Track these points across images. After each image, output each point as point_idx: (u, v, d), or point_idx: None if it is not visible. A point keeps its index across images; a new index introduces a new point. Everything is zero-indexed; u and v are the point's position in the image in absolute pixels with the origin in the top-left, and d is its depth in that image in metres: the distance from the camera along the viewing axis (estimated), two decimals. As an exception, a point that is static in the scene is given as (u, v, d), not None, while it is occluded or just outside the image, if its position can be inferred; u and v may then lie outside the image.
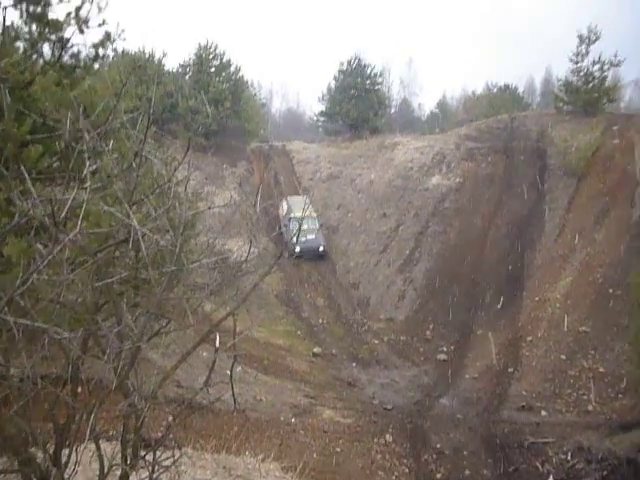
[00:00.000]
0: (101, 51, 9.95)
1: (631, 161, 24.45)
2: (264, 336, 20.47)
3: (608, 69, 29.25)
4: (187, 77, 32.43)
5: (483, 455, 12.66)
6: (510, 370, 18.00)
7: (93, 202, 3.08)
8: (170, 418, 4.04)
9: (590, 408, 15.45)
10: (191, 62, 32.16)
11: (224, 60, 31.65)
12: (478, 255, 23.70)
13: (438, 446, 13.07)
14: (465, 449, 12.90)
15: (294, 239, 23.27)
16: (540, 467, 11.95)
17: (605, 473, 11.27)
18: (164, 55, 31.43)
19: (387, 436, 13.19)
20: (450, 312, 21.60)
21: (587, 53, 29.20)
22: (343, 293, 23.95)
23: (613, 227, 22.33)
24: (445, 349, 19.88)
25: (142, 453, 3.68)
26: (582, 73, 29.29)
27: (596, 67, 29.11)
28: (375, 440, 13.00)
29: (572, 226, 23.22)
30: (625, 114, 31.50)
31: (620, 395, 15.86)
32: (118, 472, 3.84)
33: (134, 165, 3.54)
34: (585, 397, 16.05)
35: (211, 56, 31.49)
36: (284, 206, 26.33)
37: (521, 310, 20.67)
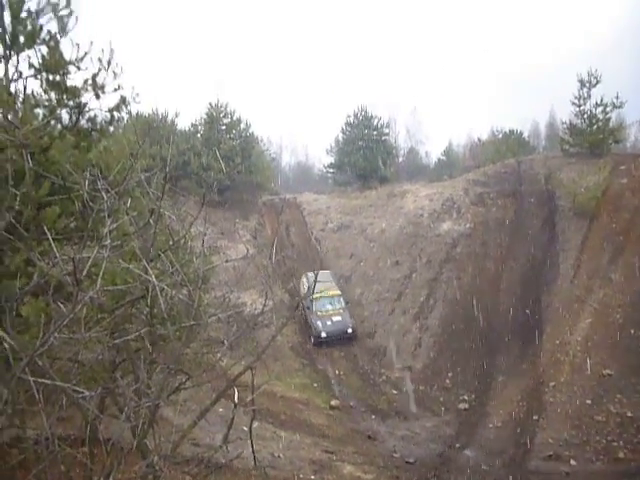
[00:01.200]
0: (116, 114, 10.34)
1: (642, 199, 24.42)
2: (280, 390, 20.13)
3: (611, 111, 29.64)
4: (199, 135, 33.36)
5: (512, 509, 12.10)
6: (535, 418, 17.43)
7: (111, 260, 3.15)
8: (188, 478, 3.94)
9: (621, 455, 14.82)
10: (202, 121, 33.17)
11: (234, 118, 32.63)
12: (493, 300, 23.44)
13: (464, 500, 12.55)
14: (493, 503, 12.36)
15: (319, 322, 22.69)
16: (573, 521, 11.37)
17: (642, 525, 10.68)
18: (177, 115, 32.45)
19: (411, 492, 12.69)
20: (468, 359, 21.19)
21: (589, 96, 29.70)
22: (358, 343, 23.65)
23: (628, 266, 22.07)
24: (466, 397, 19.38)
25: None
26: (585, 115, 29.69)
27: (599, 109, 29.52)
28: (398, 496, 12.51)
29: (587, 267, 22.99)
30: (632, 154, 31.72)
31: (651, 441, 15.24)
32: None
33: (151, 222, 3.62)
34: (615, 444, 15.43)
35: (222, 114, 32.49)
36: (304, 283, 24.66)
37: (541, 354, 20.21)
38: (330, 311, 23.07)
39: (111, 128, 10.64)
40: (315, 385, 20.96)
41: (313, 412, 18.88)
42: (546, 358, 19.95)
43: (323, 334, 22.47)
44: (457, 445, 16.33)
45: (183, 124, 33.27)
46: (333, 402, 19.48)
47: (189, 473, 4.26)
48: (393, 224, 28.41)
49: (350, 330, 22.92)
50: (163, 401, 3.44)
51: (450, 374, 20.82)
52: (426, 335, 23.03)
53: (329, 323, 22.66)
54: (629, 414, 16.41)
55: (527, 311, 22.37)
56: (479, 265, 25.15)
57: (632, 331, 19.34)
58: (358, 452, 15.77)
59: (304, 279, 24.74)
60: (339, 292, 23.92)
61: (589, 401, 17.41)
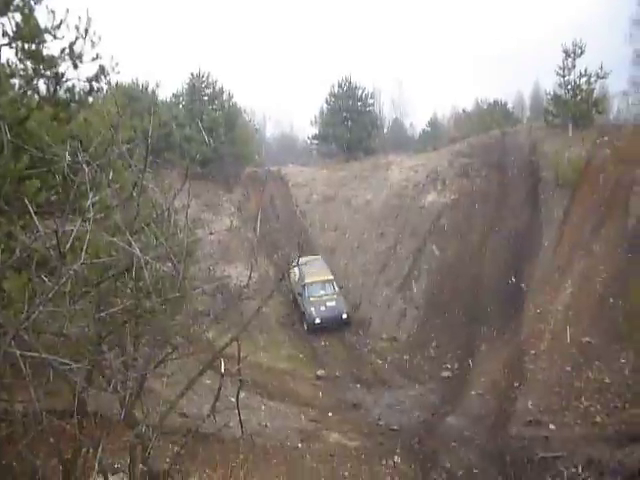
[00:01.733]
0: (95, 85, 10.11)
1: (624, 171, 24.64)
2: (267, 361, 20.35)
3: (595, 81, 29.60)
4: (181, 106, 32.79)
5: (494, 473, 12.51)
6: (516, 384, 17.86)
7: (94, 233, 3.11)
8: (176, 448, 3.99)
9: (598, 420, 15.29)
10: (184, 91, 32.57)
11: (217, 88, 32.08)
12: (477, 270, 23.71)
13: (447, 465, 12.92)
14: (475, 467, 12.76)
15: (312, 309, 22.01)
16: (551, 482, 11.80)
17: (618, 485, 11.13)
18: (158, 85, 31.88)
19: (395, 457, 13.04)
20: (452, 329, 21.53)
21: (573, 67, 29.60)
22: (344, 314, 23.87)
23: (609, 237, 22.39)
24: (449, 366, 19.76)
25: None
26: (569, 86, 29.63)
27: (583, 80, 29.48)
28: (383, 462, 12.85)
29: (569, 238, 23.29)
30: (614, 125, 31.86)
31: (627, 405, 15.71)
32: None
33: (134, 195, 3.58)
34: (593, 409, 15.90)
35: (204, 84, 31.91)
36: (295, 270, 23.69)
37: (523, 323, 20.60)
38: (323, 296, 22.50)
39: (90, 99, 10.41)
40: (301, 356, 21.22)
41: (299, 382, 19.16)
42: (528, 327, 20.35)
43: (317, 320, 21.94)
44: (441, 412, 16.72)
45: (164, 95, 32.60)
46: (319, 372, 19.77)
47: (177, 443, 4.31)
48: (378, 196, 28.42)
49: (345, 315, 22.46)
50: (150, 373, 3.45)
51: (434, 344, 21.17)
52: (410, 306, 23.32)
53: (323, 309, 22.13)
54: (607, 380, 16.87)
55: (510, 282, 22.69)
56: (463, 236, 25.35)
57: (611, 300, 19.74)
58: (344, 420, 16.10)
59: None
60: (332, 277, 23.44)
61: (569, 368, 17.85)
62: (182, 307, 3.53)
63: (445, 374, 19.32)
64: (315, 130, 38.02)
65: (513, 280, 22.76)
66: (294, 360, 20.85)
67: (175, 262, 3.32)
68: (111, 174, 3.97)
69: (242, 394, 15.64)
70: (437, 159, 30.29)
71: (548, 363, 18.40)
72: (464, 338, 21.01)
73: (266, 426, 14.62)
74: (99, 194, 3.84)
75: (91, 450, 3.59)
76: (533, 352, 19.03)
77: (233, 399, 13.89)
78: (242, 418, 11.83)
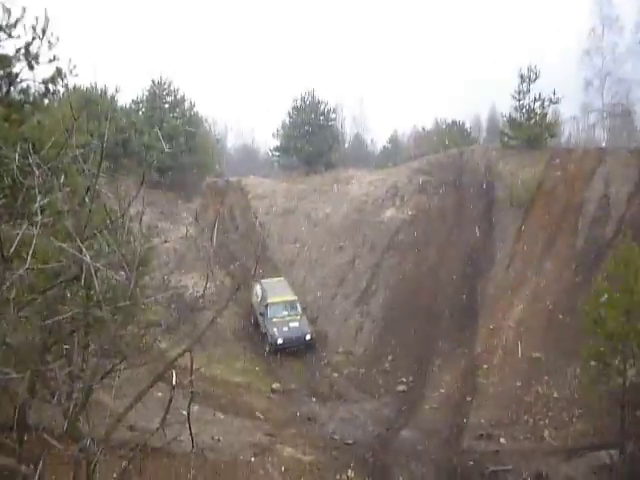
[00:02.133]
0: (51, 87, 9.83)
1: (574, 193, 25.63)
2: (221, 373, 20.01)
3: (548, 106, 30.81)
4: (140, 113, 32.25)
5: (445, 487, 12.62)
6: (468, 399, 18.17)
7: (43, 239, 2.99)
8: (124, 463, 3.85)
9: (547, 434, 15.71)
10: (144, 98, 32.06)
11: (178, 96, 31.72)
12: (433, 286, 24.08)
13: (400, 479, 12.96)
14: (427, 481, 12.84)
15: (274, 329, 21.25)
16: (501, 496, 11.99)
17: (564, 498, 11.41)
18: (117, 91, 31.18)
19: (349, 472, 13.00)
20: (408, 343, 21.73)
21: (528, 91, 30.75)
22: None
23: (560, 256, 23.20)
24: (404, 380, 19.91)
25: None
26: (524, 110, 30.74)
27: (537, 104, 30.65)
28: (337, 476, 12.80)
29: (521, 256, 23.99)
30: (565, 148, 33.13)
31: (574, 419, 16.22)
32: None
33: (86, 200, 3.47)
34: (542, 423, 16.33)
35: (165, 92, 31.52)
36: (257, 291, 23.15)
37: (476, 339, 21.02)
38: (286, 317, 21.90)
39: (46, 101, 10.12)
40: (257, 369, 20.97)
41: (254, 396, 18.92)
42: (481, 342, 20.78)
43: (280, 340, 21.17)
44: (395, 427, 16.80)
45: (124, 101, 31.93)
46: (274, 386, 19.56)
47: (125, 457, 4.16)
48: (338, 209, 28.59)
49: (308, 337, 21.72)
50: (97, 384, 3.32)
51: (390, 358, 21.30)
52: (367, 320, 23.44)
53: (285, 329, 21.45)
54: (555, 395, 17.38)
55: (464, 298, 23.14)
56: (420, 252, 25.74)
57: (561, 317, 20.40)
58: (298, 434, 15.97)
59: (257, 286, 23.39)
60: (295, 297, 22.88)
61: (519, 383, 18.30)
62: (133, 317, 3.41)
63: (400, 388, 19.45)
64: (277, 142, 38.06)
65: (468, 296, 23.21)
66: (249, 373, 20.57)
67: (127, 270, 3.22)
68: (63, 178, 3.84)
69: (195, 407, 15.34)
70: (397, 175, 30.75)
71: (500, 378, 18.81)
72: (419, 352, 21.23)
73: (219, 440, 14.33)
74: (50, 198, 3.71)
75: (31, 465, 3.43)
76: (486, 367, 19.43)
77: (185, 412, 13.57)
78: (194, 432, 11.59)
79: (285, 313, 22.02)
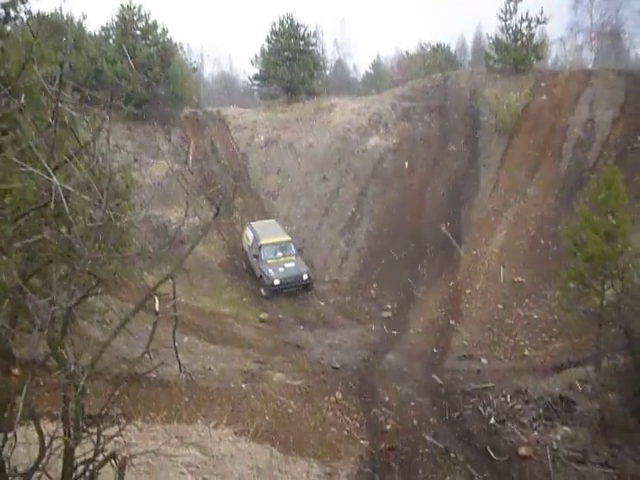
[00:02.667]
0: (12, 12, 9.22)
1: (559, 117, 25.39)
2: (209, 305, 20.27)
3: (535, 26, 29.96)
4: (110, 41, 30.63)
5: (429, 404, 13.17)
6: (451, 322, 18.70)
7: (9, 166, 2.83)
8: (111, 389, 3.88)
9: (526, 353, 16.34)
10: (114, 24, 30.36)
11: (150, 22, 30.07)
12: (417, 214, 24.19)
13: (386, 400, 13.48)
14: (412, 400, 13.38)
15: (270, 270, 20.61)
16: (482, 411, 12.57)
17: (541, 411, 11.99)
18: (84, 17, 29.44)
19: (337, 394, 13.46)
20: (393, 271, 22.07)
21: (515, 11, 29.77)
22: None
23: (543, 181, 23.30)
24: (389, 307, 20.35)
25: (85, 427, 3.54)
26: (510, 30, 29.86)
27: (524, 24, 29.76)
28: (325, 399, 13.25)
29: (505, 182, 24.04)
30: (552, 71, 32.47)
31: (553, 339, 16.85)
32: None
33: (50, 122, 3.27)
34: (522, 343, 16.95)
35: (135, 17, 29.83)
36: (248, 235, 22.44)
37: (460, 265, 21.39)
38: (281, 258, 21.25)
39: (8, 28, 9.59)
40: (244, 300, 21.23)
41: (243, 326, 19.26)
42: (464, 268, 21.16)
43: (276, 281, 20.51)
44: (380, 351, 17.32)
45: (92, 28, 30.17)
46: (262, 315, 19.88)
47: (115, 384, 4.20)
48: (321, 139, 28.09)
49: (306, 276, 21.04)
50: (75, 307, 3.26)
51: (375, 285, 21.67)
52: (353, 249, 23.63)
53: (281, 270, 20.77)
54: (535, 316, 17.95)
55: (448, 224, 23.33)
56: (404, 180, 25.64)
57: (542, 241, 20.76)
58: (287, 361, 16.40)
59: (248, 230, 22.70)
60: (289, 238, 22.18)
61: (501, 306, 18.83)
62: (109, 241, 3.32)
63: (385, 314, 19.91)
64: (256, 70, 36.67)
65: (452, 223, 23.40)
66: (237, 304, 20.85)
67: (98, 192, 3.08)
68: (24, 98, 3.60)
69: (185, 339, 15.64)
70: (380, 102, 30.08)
71: (482, 302, 19.32)
72: (404, 279, 21.61)
73: (210, 369, 14.68)
74: (16, 126, 3.50)
75: (18, 393, 3.43)
76: (469, 291, 19.90)
77: (177, 343, 13.77)
78: (186, 362, 11.82)
79: (280, 254, 21.44)
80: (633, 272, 12.53)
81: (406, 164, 26.19)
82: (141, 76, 26.66)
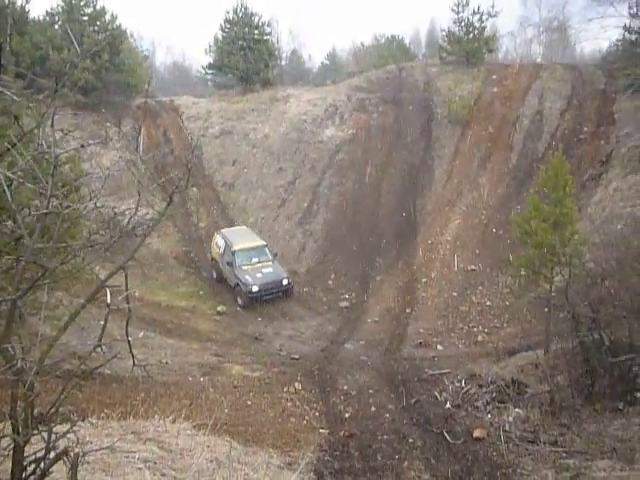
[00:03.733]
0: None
1: (509, 108, 26.07)
2: (165, 299, 19.95)
3: (487, 19, 30.64)
4: (56, 27, 29.42)
5: (387, 391, 13.37)
6: (408, 311, 19.04)
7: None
8: (62, 386, 3.75)
9: (480, 339, 16.83)
10: (60, 9, 29.15)
11: (97, 7, 29.03)
12: (374, 204, 24.41)
13: (345, 388, 13.61)
14: (370, 388, 13.55)
15: (247, 277, 19.32)
16: (438, 396, 12.86)
17: (494, 394, 12.37)
18: (27, 1, 28.03)
19: (296, 384, 13.50)
20: (350, 261, 22.25)
21: (467, 3, 30.33)
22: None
23: (495, 171, 23.92)
24: (347, 297, 20.53)
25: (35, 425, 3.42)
26: (463, 23, 30.42)
27: (476, 17, 30.36)
28: (285, 390, 13.26)
29: (458, 172, 24.54)
30: (503, 64, 33.31)
31: (505, 325, 17.42)
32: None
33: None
34: (475, 329, 17.44)
35: (82, 3, 28.74)
36: (218, 242, 20.99)
37: (415, 254, 21.75)
38: (257, 264, 19.90)
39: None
40: (201, 293, 20.98)
41: (200, 319, 19.04)
42: (419, 257, 21.54)
43: (254, 288, 19.14)
44: (339, 340, 17.46)
45: (37, 13, 28.84)
46: (219, 308, 19.69)
47: (66, 379, 4.06)
48: (276, 129, 27.90)
49: (286, 282, 19.78)
50: (20, 298, 3.12)
51: (333, 276, 21.79)
52: (310, 240, 23.65)
53: (259, 275, 19.44)
54: (488, 303, 18.49)
55: (404, 214, 23.65)
56: (361, 171, 25.80)
57: (494, 230, 21.35)
58: (246, 353, 16.33)
59: (218, 237, 21.26)
60: (264, 243, 20.87)
61: (455, 294, 19.29)
62: (54, 231, 3.18)
63: (343, 304, 20.07)
64: (210, 59, 36.06)
65: (407, 213, 23.74)
66: (193, 297, 20.57)
67: (43, 180, 2.94)
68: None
69: (141, 333, 15.30)
70: (336, 93, 30.10)
71: (437, 290, 19.74)
72: (361, 269, 21.82)
73: (167, 363, 14.46)
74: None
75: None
76: (424, 280, 20.28)
77: (131, 338, 13.49)
78: (142, 357, 11.59)
79: (255, 260, 20.08)
80: (579, 259, 13.05)
81: (361, 155, 26.36)
82: (89, 63, 25.73)
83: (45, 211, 2.84)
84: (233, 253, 19.94)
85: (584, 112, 24.65)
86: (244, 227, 22.78)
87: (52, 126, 3.18)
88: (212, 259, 21.67)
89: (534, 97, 26.09)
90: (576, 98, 25.50)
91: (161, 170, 25.39)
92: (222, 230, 21.89)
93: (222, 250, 20.63)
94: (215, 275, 21.47)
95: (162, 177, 21.61)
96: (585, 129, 23.76)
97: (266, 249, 20.63)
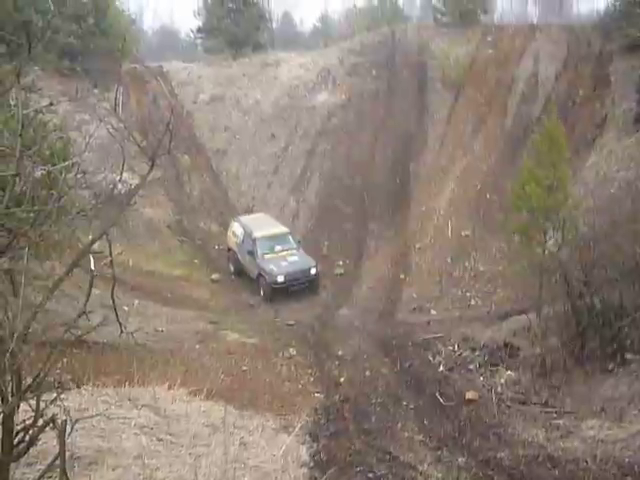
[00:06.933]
0: None
1: (504, 71, 25.65)
2: (160, 268, 19.92)
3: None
4: (40, -11, 28.49)
5: (381, 356, 13.52)
6: (402, 277, 19.13)
7: None
8: (49, 352, 3.74)
9: (473, 303, 16.98)
10: (42, -29, 28.18)
11: (82, -32, 28.07)
12: (367, 170, 24.22)
13: (339, 353, 13.74)
14: (365, 353, 13.69)
15: (271, 266, 17.84)
16: (432, 359, 13.03)
17: (487, 357, 12.55)
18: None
19: (291, 350, 13.62)
20: (344, 228, 22.20)
21: (462, -38, 29.46)
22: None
23: (489, 136, 23.70)
24: (341, 263, 20.55)
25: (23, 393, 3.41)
26: (458, -17, 29.62)
27: (471, -24, 29.55)
28: (280, 355, 13.38)
29: (452, 137, 24.30)
30: (498, 25, 32.63)
31: (498, 289, 17.53)
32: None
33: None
34: (468, 294, 17.57)
35: (66, -37, 27.76)
36: (236, 230, 19.49)
37: (409, 220, 21.72)
38: (282, 252, 18.38)
39: None
40: (195, 261, 20.97)
41: (195, 287, 19.08)
42: (413, 223, 21.52)
43: (280, 278, 17.59)
44: (333, 307, 17.57)
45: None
46: (214, 276, 19.71)
47: (53, 346, 4.04)
48: (268, 95, 27.42)
49: (314, 271, 18.28)
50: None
51: (327, 243, 21.77)
52: (303, 207, 23.55)
53: (285, 264, 17.92)
54: (481, 268, 18.57)
55: (398, 181, 23.51)
56: (354, 137, 25.48)
57: (488, 196, 21.28)
58: (241, 320, 16.44)
59: (235, 224, 19.83)
60: (287, 229, 19.48)
61: (449, 259, 19.35)
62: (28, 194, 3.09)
63: (338, 271, 20.12)
64: (199, 23, 35.19)
65: (401, 179, 23.59)
66: (188, 266, 20.55)
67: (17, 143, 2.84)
68: None
69: (136, 302, 15.33)
70: (328, 57, 29.50)
71: (431, 256, 19.79)
72: (355, 236, 21.81)
73: (162, 331, 14.53)
74: None
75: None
76: (418, 246, 20.30)
77: (126, 308, 13.51)
78: (137, 325, 11.59)
79: (279, 248, 18.55)
80: (573, 223, 13.07)
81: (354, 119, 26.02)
82: (74, 27, 25.06)
83: (13, 172, 2.75)
84: (254, 241, 18.38)
85: (580, 74, 24.28)
86: (262, 214, 21.34)
87: (19, 81, 3.06)
88: (228, 249, 20.24)
89: (529, 59, 25.64)
90: (572, 60, 25.07)
91: (150, 137, 24.97)
92: (240, 217, 20.57)
93: (241, 239, 19.15)
94: (232, 267, 20.06)
95: (144, 141, 20.99)
96: (580, 92, 23.45)
97: (289, 236, 19.24)
